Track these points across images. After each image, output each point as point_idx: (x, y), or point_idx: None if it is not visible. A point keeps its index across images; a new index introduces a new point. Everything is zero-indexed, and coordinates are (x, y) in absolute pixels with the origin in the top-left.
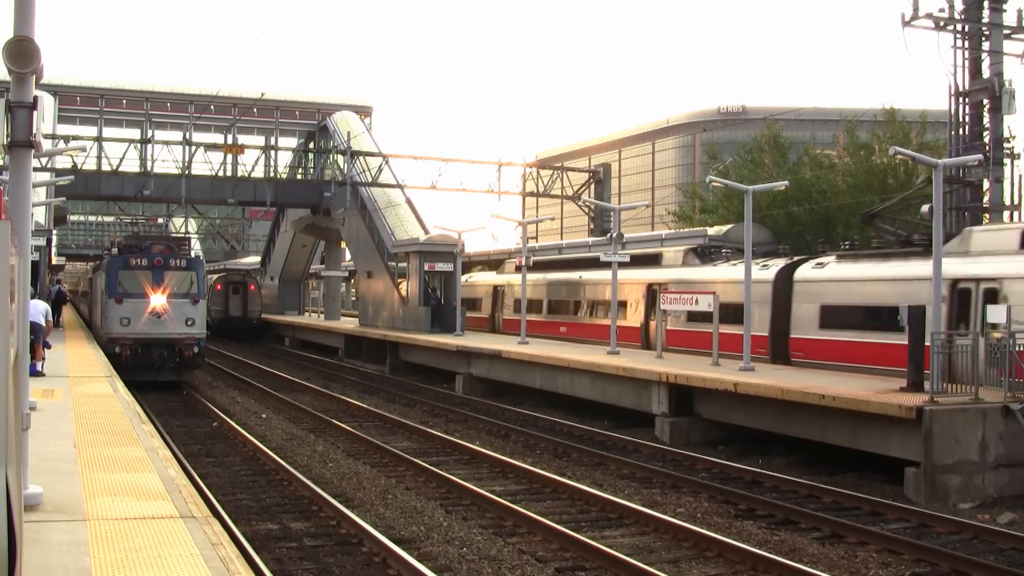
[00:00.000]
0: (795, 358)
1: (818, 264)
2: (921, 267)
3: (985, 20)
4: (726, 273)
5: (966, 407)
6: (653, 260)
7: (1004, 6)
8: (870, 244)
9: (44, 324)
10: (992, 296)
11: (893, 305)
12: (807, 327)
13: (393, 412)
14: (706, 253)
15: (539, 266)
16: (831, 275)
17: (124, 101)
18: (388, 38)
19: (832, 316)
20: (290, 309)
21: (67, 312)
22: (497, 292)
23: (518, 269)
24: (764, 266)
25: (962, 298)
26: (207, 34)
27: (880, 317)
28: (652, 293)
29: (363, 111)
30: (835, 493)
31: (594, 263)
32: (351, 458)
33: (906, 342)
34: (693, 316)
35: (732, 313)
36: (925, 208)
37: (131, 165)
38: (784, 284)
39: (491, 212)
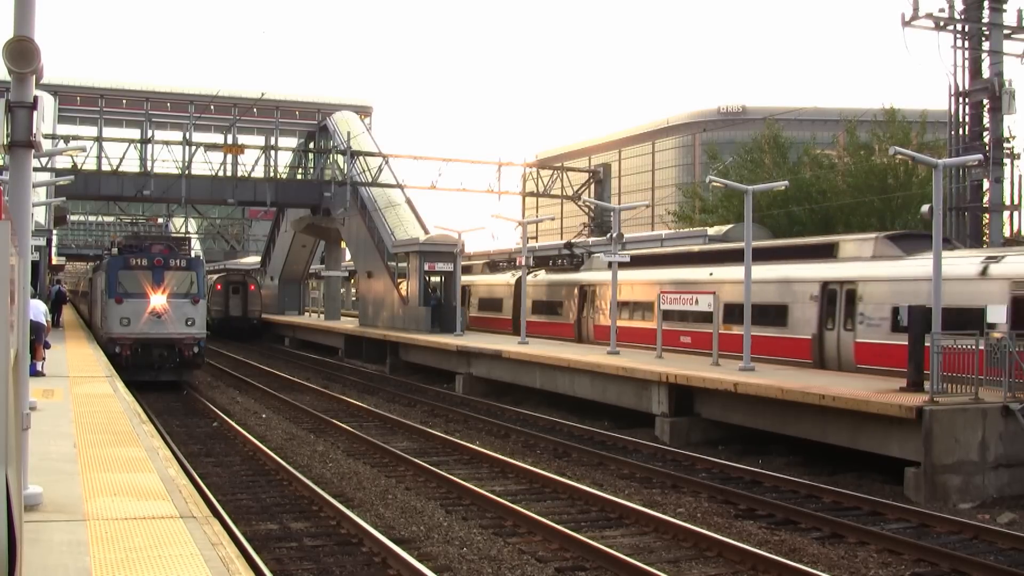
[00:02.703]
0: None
1: (534, 274)
2: (566, 277)
3: (985, 20)
4: (502, 278)
5: (966, 407)
6: (468, 270)
7: (1004, 6)
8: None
9: (45, 324)
10: (592, 294)
11: (560, 300)
12: (528, 313)
13: (393, 412)
14: (495, 265)
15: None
16: (536, 281)
17: (124, 101)
18: (388, 38)
19: (537, 306)
20: (290, 309)
21: (67, 312)
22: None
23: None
24: (513, 274)
25: (583, 294)
26: (207, 34)
27: (553, 307)
28: (463, 291)
29: (363, 111)
30: (835, 493)
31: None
32: (351, 458)
33: (562, 321)
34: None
35: (492, 303)
36: (925, 208)
37: (131, 165)
38: (519, 286)
39: (491, 212)
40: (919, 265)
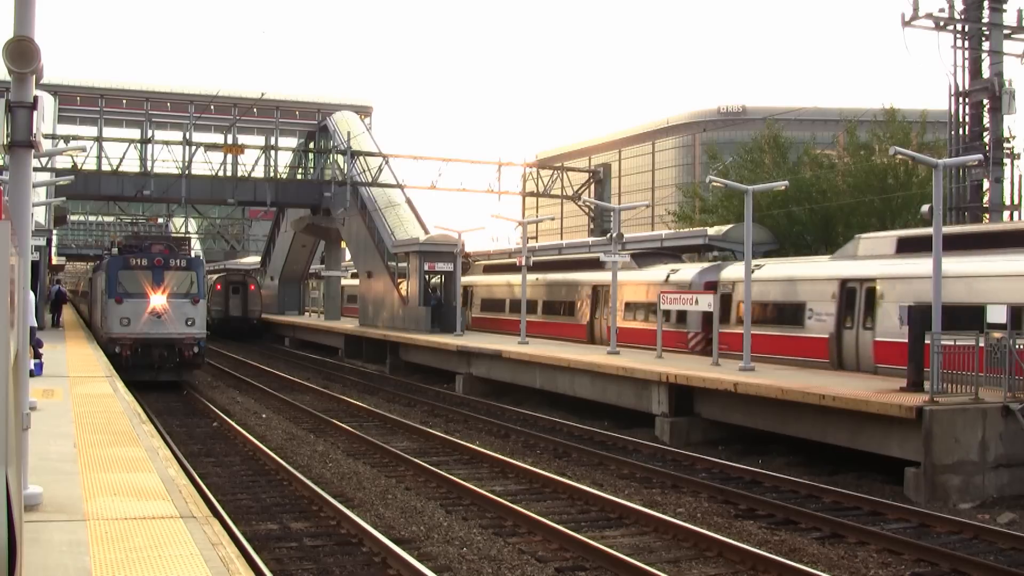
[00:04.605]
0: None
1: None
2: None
3: (985, 20)
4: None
5: (966, 407)
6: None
7: (1004, 6)
8: None
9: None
10: (472, 293)
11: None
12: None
13: (393, 412)
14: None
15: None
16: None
17: (124, 101)
18: (388, 38)
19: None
20: (290, 309)
21: (67, 312)
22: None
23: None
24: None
25: (466, 293)
26: (207, 34)
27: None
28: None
29: (363, 111)
30: (835, 493)
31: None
32: (351, 458)
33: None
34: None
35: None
36: (925, 208)
37: (131, 165)
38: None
39: (491, 212)
40: (645, 274)
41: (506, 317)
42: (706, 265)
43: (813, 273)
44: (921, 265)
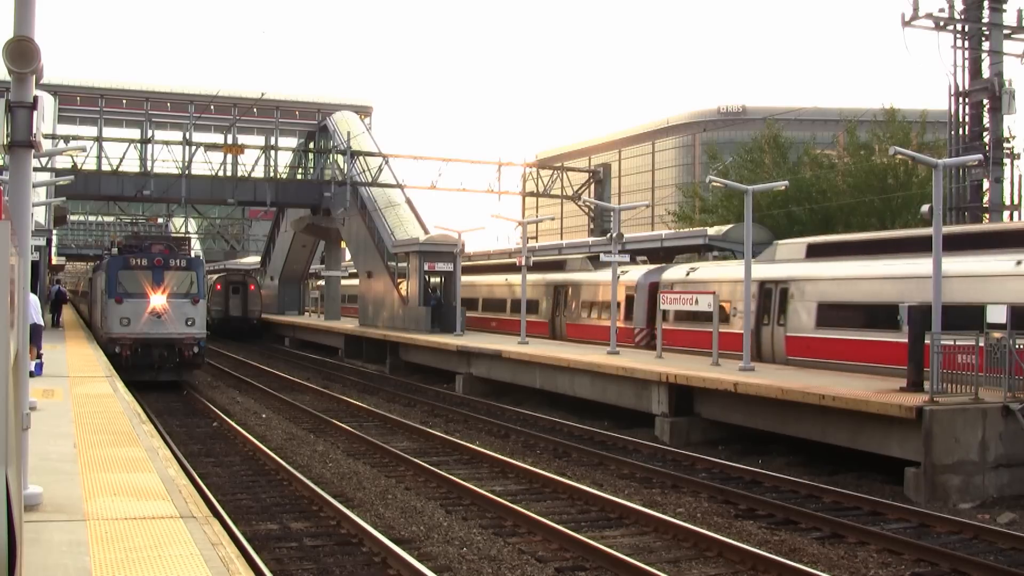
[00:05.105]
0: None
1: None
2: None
3: (985, 20)
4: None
5: (966, 407)
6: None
7: (1004, 6)
8: None
9: (41, 322)
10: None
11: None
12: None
13: (393, 412)
14: None
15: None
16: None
17: (124, 101)
18: (388, 38)
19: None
20: (290, 309)
21: (67, 312)
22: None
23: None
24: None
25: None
26: (207, 34)
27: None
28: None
29: (363, 111)
30: (835, 493)
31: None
32: (351, 458)
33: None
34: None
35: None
36: (925, 208)
37: (131, 165)
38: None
39: (491, 212)
40: (598, 275)
41: (480, 315)
42: (652, 267)
43: (737, 275)
44: (825, 268)
